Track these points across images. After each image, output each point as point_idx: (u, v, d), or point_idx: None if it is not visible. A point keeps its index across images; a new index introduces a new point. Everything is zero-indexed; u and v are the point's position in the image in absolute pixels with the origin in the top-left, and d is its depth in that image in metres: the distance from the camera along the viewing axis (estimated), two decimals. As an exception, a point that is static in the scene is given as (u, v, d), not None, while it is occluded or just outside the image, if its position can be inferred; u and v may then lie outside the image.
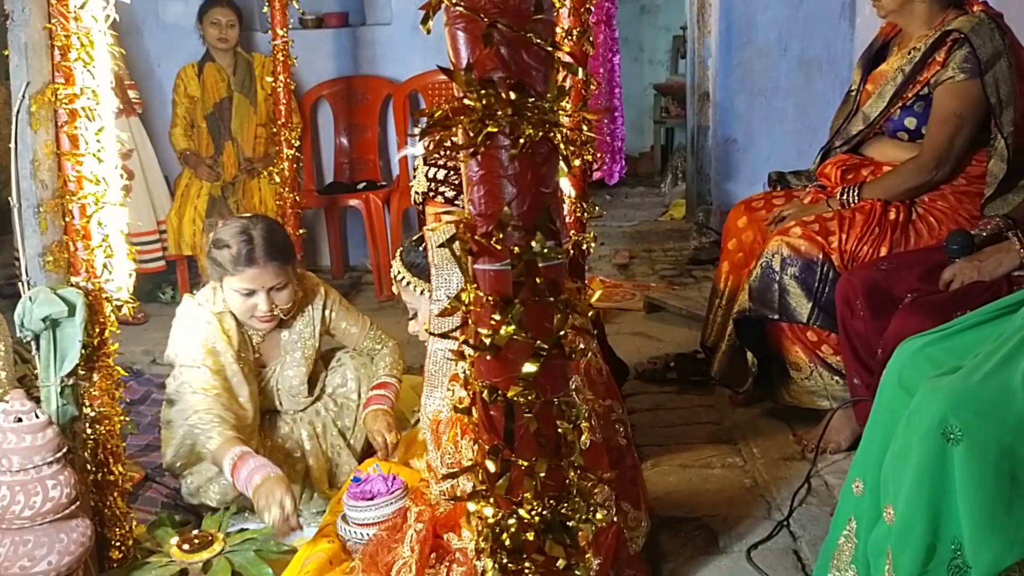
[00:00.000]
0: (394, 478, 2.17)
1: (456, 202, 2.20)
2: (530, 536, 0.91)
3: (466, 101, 0.83)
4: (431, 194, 2.27)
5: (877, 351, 2.23)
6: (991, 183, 2.46)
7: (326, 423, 2.63)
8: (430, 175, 2.26)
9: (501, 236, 0.86)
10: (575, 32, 2.22)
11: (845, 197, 2.60)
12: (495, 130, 0.84)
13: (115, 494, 2.09)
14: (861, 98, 2.74)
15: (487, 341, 0.87)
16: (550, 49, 0.85)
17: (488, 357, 0.89)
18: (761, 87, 4.78)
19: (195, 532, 2.27)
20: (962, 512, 1.46)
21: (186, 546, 2.20)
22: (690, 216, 5.21)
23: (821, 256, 2.51)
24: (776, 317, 2.58)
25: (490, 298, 0.88)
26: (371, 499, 2.11)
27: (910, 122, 2.59)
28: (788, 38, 4.69)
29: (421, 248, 2.05)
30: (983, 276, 2.16)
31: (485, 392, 0.89)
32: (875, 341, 2.26)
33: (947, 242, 2.28)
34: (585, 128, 2.04)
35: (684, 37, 5.80)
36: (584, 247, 2.41)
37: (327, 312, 2.63)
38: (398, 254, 2.13)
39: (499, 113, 0.83)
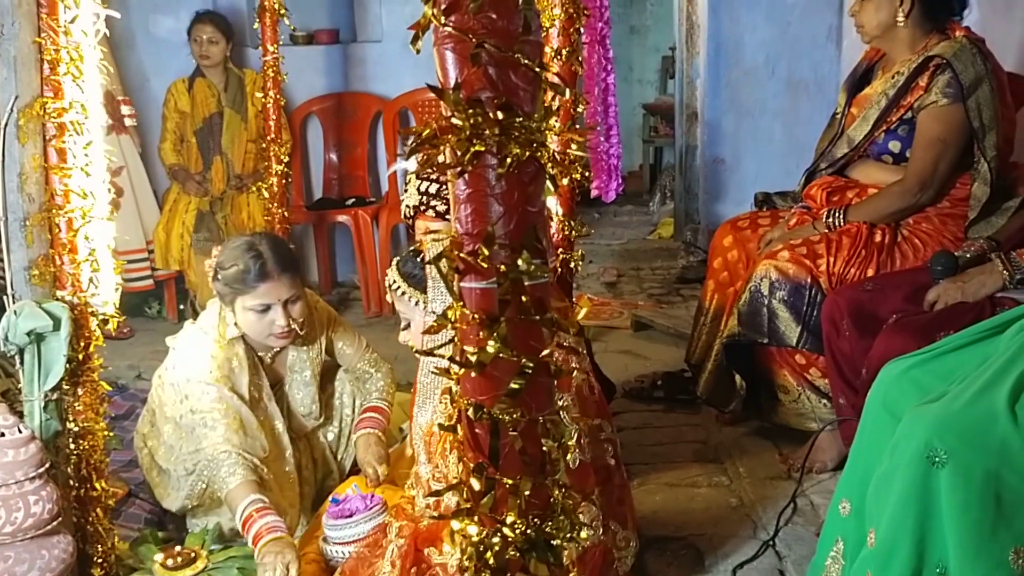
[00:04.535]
0: (372, 496, 2.17)
1: (447, 216, 2.21)
2: (514, 554, 0.91)
3: (454, 120, 0.84)
4: (422, 207, 2.28)
5: (862, 371, 2.24)
6: (975, 206, 2.49)
7: (326, 446, 2.61)
8: (422, 189, 2.27)
9: (487, 254, 0.86)
10: (564, 52, 2.23)
11: (831, 220, 2.61)
12: (482, 149, 0.85)
13: (98, 510, 2.06)
14: (846, 121, 2.77)
15: (473, 358, 0.88)
16: (537, 70, 0.86)
17: (473, 374, 0.89)
18: (749, 108, 4.81)
19: (178, 549, 2.26)
20: (948, 536, 1.47)
21: (169, 563, 2.18)
22: (678, 235, 5.24)
23: (809, 279, 2.52)
24: (765, 341, 2.59)
25: (476, 316, 0.88)
26: (350, 517, 2.11)
27: (894, 145, 2.62)
28: (776, 60, 4.73)
29: (418, 258, 2.05)
30: (967, 297, 2.18)
31: (470, 409, 0.90)
32: (860, 361, 2.27)
33: (931, 263, 2.30)
34: (574, 147, 2.06)
35: (673, 57, 5.85)
36: (572, 265, 2.42)
37: (329, 331, 2.59)
38: (394, 263, 2.13)
39: (486, 132, 0.84)
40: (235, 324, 2.38)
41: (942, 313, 2.18)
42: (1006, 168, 2.54)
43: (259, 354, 2.48)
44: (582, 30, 2.28)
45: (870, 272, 2.50)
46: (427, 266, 1.99)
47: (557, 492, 0.93)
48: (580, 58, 2.26)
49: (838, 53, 4.62)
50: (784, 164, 4.49)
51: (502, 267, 0.87)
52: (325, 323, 2.59)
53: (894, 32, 2.60)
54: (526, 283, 0.88)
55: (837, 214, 2.61)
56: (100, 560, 2.08)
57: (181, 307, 4.42)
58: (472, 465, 0.91)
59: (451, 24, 0.84)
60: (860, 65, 2.85)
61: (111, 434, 2.15)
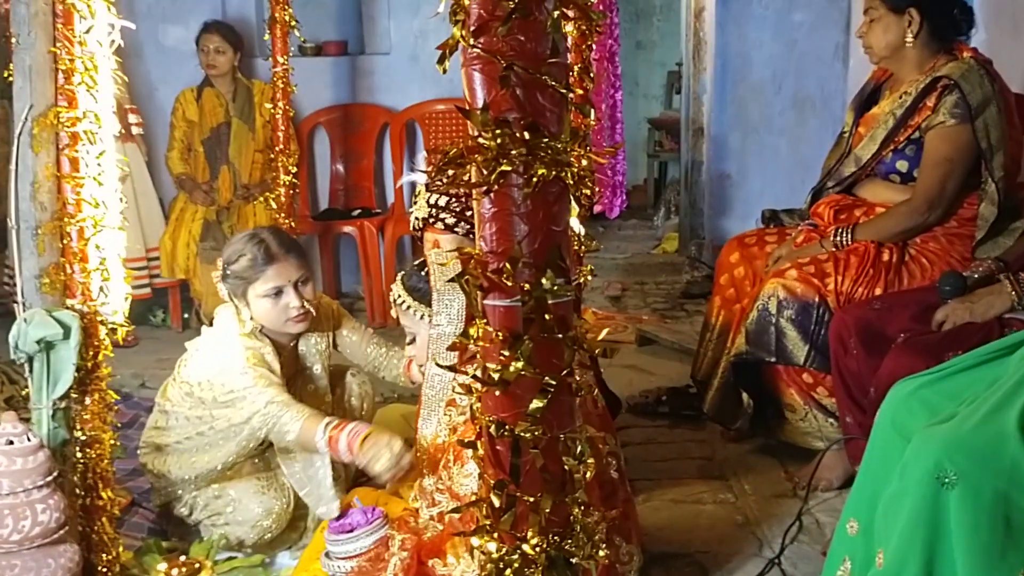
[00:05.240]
0: (373, 509, 2.16)
1: (456, 229, 2.22)
2: (535, 573, 0.91)
3: (481, 140, 0.85)
4: (431, 220, 2.28)
5: (870, 390, 2.24)
6: (982, 226, 2.49)
7: None
8: (431, 201, 2.28)
9: (512, 272, 0.87)
10: (576, 68, 2.24)
11: (838, 238, 2.62)
12: (509, 169, 0.85)
13: (103, 519, 2.06)
14: (853, 140, 2.78)
15: (496, 376, 0.88)
16: (564, 91, 0.86)
17: (496, 392, 0.89)
18: (755, 124, 4.83)
19: (183, 559, 2.25)
20: (957, 557, 1.46)
21: (174, 572, 2.18)
22: (683, 250, 5.24)
23: (817, 298, 2.53)
24: (773, 360, 2.59)
25: (500, 334, 0.89)
26: (351, 531, 2.10)
27: (902, 165, 2.63)
28: (782, 77, 4.76)
29: (423, 272, 2.06)
30: (975, 317, 2.19)
31: (492, 427, 0.90)
32: (868, 380, 2.27)
33: (940, 283, 2.30)
34: (584, 162, 2.06)
35: (679, 72, 5.87)
36: (580, 280, 2.43)
37: (334, 322, 2.63)
38: (399, 278, 2.14)
39: (513, 152, 0.85)
40: (251, 319, 2.41)
41: (950, 333, 2.18)
42: (1013, 188, 2.55)
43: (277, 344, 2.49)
44: (593, 47, 2.29)
45: (878, 291, 2.50)
46: (431, 280, 1.99)
47: (576, 510, 0.93)
48: (591, 75, 2.27)
49: (845, 71, 4.64)
50: (790, 181, 4.50)
51: (526, 285, 0.87)
52: (330, 316, 2.63)
53: (902, 53, 2.61)
54: (550, 301, 0.89)
55: (844, 233, 2.62)
56: (105, 570, 2.08)
57: (186, 316, 4.43)
58: (493, 482, 0.91)
59: (480, 46, 0.85)
60: (868, 84, 2.86)
61: (117, 443, 2.15)
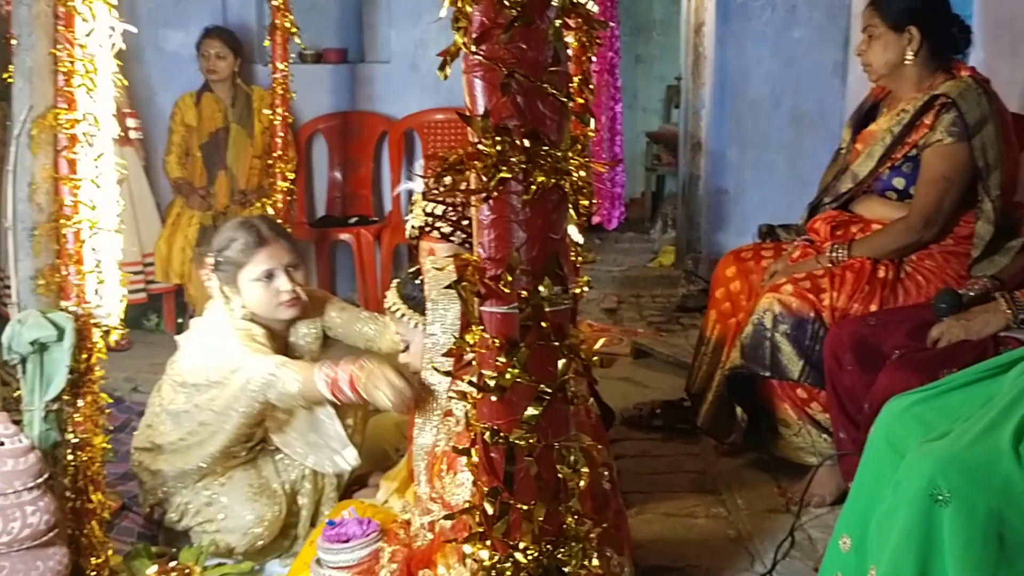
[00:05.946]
0: (368, 521, 2.15)
1: (451, 238, 2.22)
2: (526, 581, 0.91)
3: (481, 147, 0.85)
4: (427, 229, 2.28)
5: (864, 406, 2.24)
6: (978, 244, 2.50)
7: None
8: (428, 210, 2.28)
9: (510, 280, 0.87)
10: (576, 80, 2.25)
11: (834, 254, 2.62)
12: (508, 176, 0.86)
13: (93, 522, 2.05)
14: (850, 157, 2.78)
15: (491, 383, 0.88)
16: (565, 100, 0.87)
17: (491, 399, 0.89)
18: (753, 139, 4.84)
19: (172, 564, 2.24)
20: (950, 574, 1.46)
21: (163, 578, 2.17)
22: (679, 263, 5.24)
23: (812, 314, 2.53)
24: (767, 374, 2.60)
25: (496, 340, 0.88)
26: (346, 542, 2.09)
27: (898, 182, 2.64)
28: (781, 92, 4.77)
29: (417, 281, 2.06)
30: (970, 335, 2.19)
31: (487, 434, 0.90)
32: (862, 396, 2.27)
33: (935, 301, 2.31)
34: (583, 173, 2.06)
35: (678, 87, 5.89)
36: (577, 291, 2.42)
37: (322, 307, 2.63)
38: (394, 285, 2.14)
39: (513, 160, 0.85)
40: (242, 307, 2.41)
41: (945, 351, 2.18)
42: (1010, 207, 2.56)
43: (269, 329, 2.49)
44: (594, 59, 2.30)
45: (873, 307, 2.51)
46: (425, 287, 2.00)
47: (570, 519, 0.93)
48: (591, 86, 2.28)
49: (843, 87, 4.66)
50: (787, 196, 4.51)
51: (523, 293, 0.87)
52: (316, 303, 2.62)
53: (901, 71, 2.62)
54: (547, 309, 0.89)
55: (841, 249, 2.62)
56: (94, 573, 2.06)
57: (179, 320, 4.41)
58: (486, 489, 0.91)
59: (481, 53, 0.85)
60: (866, 101, 2.87)
61: (108, 446, 2.14)
